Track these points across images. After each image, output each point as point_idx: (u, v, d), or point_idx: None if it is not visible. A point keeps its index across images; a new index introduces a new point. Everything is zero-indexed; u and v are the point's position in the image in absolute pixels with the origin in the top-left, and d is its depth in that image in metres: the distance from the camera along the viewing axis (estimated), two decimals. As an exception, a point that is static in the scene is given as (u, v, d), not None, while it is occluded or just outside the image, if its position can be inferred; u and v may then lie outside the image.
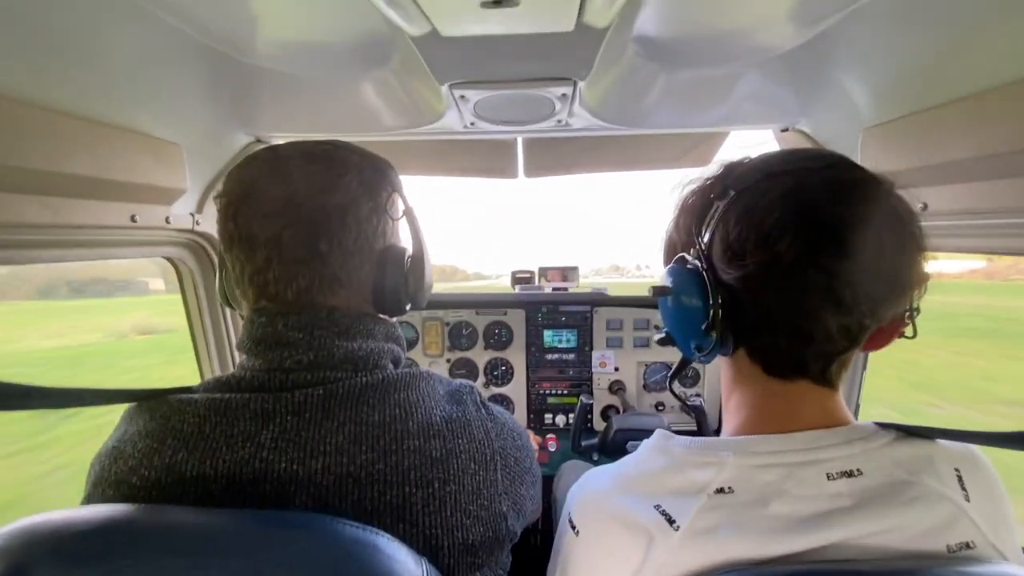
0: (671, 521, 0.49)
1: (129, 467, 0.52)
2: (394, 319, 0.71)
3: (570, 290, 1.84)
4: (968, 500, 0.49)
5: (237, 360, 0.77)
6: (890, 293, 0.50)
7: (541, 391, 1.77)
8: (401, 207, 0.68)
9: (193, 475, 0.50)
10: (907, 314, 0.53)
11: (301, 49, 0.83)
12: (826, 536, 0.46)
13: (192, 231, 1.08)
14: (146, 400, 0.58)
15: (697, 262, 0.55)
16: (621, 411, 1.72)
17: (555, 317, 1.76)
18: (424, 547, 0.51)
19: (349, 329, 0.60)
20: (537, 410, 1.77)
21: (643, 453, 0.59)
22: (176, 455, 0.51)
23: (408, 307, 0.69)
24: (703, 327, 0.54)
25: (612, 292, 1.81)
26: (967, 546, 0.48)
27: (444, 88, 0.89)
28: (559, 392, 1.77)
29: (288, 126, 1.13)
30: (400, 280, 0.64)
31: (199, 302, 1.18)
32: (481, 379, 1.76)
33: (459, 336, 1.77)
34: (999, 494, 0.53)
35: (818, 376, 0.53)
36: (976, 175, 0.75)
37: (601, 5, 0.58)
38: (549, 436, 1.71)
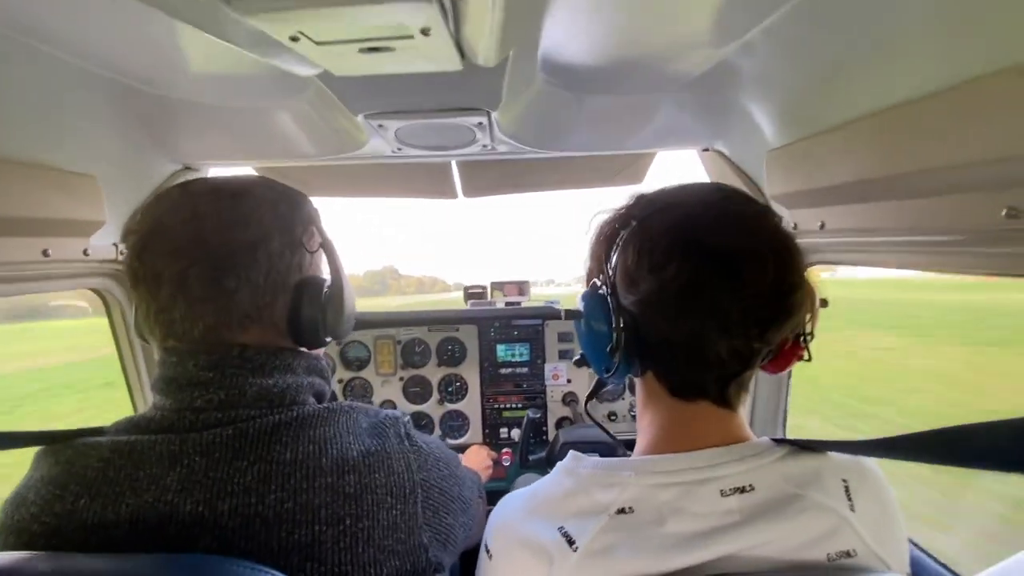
0: (571, 542, 0.51)
1: (31, 514, 0.51)
2: (318, 351, 0.70)
3: (523, 304, 1.86)
4: (853, 510, 0.52)
5: None
6: (776, 318, 0.52)
7: (496, 406, 1.78)
8: (318, 239, 0.68)
9: (95, 522, 0.50)
10: (801, 338, 0.56)
11: (216, 81, 0.83)
12: (715, 550, 0.48)
13: (116, 261, 1.06)
14: (53, 443, 0.56)
15: (604, 288, 0.58)
16: (573, 422, 1.74)
17: (508, 331, 1.78)
18: None
19: (264, 365, 0.60)
20: (492, 425, 1.78)
21: (554, 476, 0.61)
22: (78, 502, 0.51)
23: (328, 340, 0.68)
24: (608, 349, 0.56)
25: (567, 304, 1.83)
26: (847, 554, 0.50)
27: (360, 118, 0.90)
28: (513, 406, 1.78)
29: (215, 153, 1.13)
30: (316, 312, 0.64)
31: (128, 333, 1.16)
32: (435, 396, 1.76)
33: (412, 354, 1.77)
34: (886, 502, 0.55)
35: (717, 397, 0.56)
36: (861, 197, 0.79)
37: (481, 47, 0.60)
38: (504, 451, 1.72)
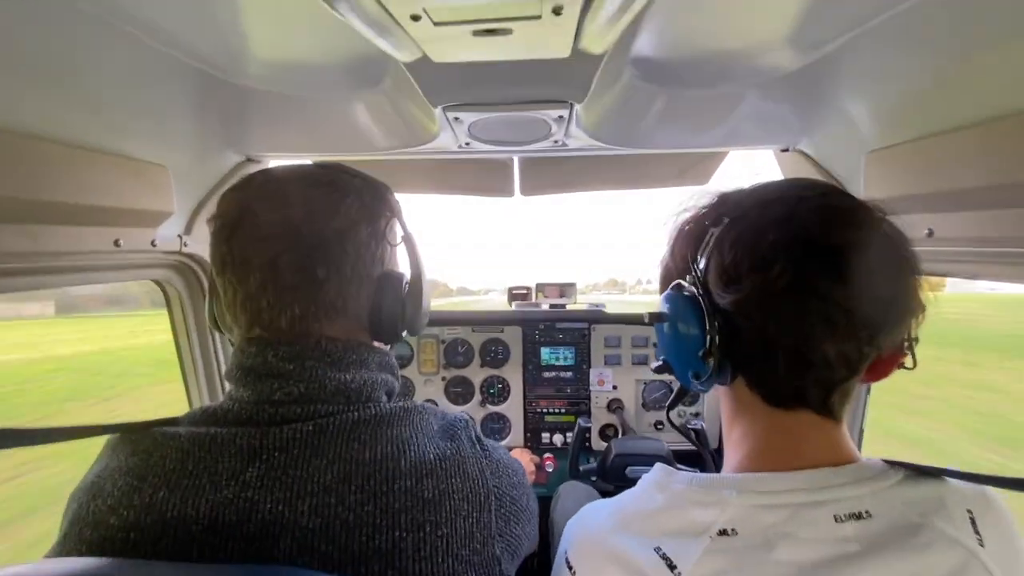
0: (672, 566, 0.47)
1: (108, 506, 0.49)
2: (389, 347, 0.69)
3: (567, 307, 1.82)
4: (982, 545, 0.47)
5: (226, 388, 0.75)
6: (888, 319, 0.49)
7: (538, 410, 1.74)
8: (400, 233, 0.67)
9: (174, 515, 0.48)
10: (906, 343, 0.52)
11: (291, 70, 0.81)
12: None
13: (180, 252, 1.06)
14: (129, 432, 0.55)
15: (693, 288, 0.55)
16: (620, 430, 1.69)
17: (552, 334, 1.74)
18: None
19: (342, 359, 0.58)
20: (534, 429, 1.74)
21: (642, 489, 0.57)
22: (157, 494, 0.49)
23: (404, 333, 0.67)
24: (700, 354, 0.53)
25: (611, 308, 1.79)
26: None
27: (437, 110, 0.87)
28: (556, 411, 1.74)
29: (280, 146, 1.11)
30: (397, 307, 0.63)
31: (187, 326, 1.15)
32: (477, 397, 1.73)
33: (455, 354, 1.74)
34: (1015, 538, 0.50)
35: (819, 406, 0.51)
36: (981, 204, 0.73)
37: (597, 32, 0.56)
38: (546, 456, 1.68)
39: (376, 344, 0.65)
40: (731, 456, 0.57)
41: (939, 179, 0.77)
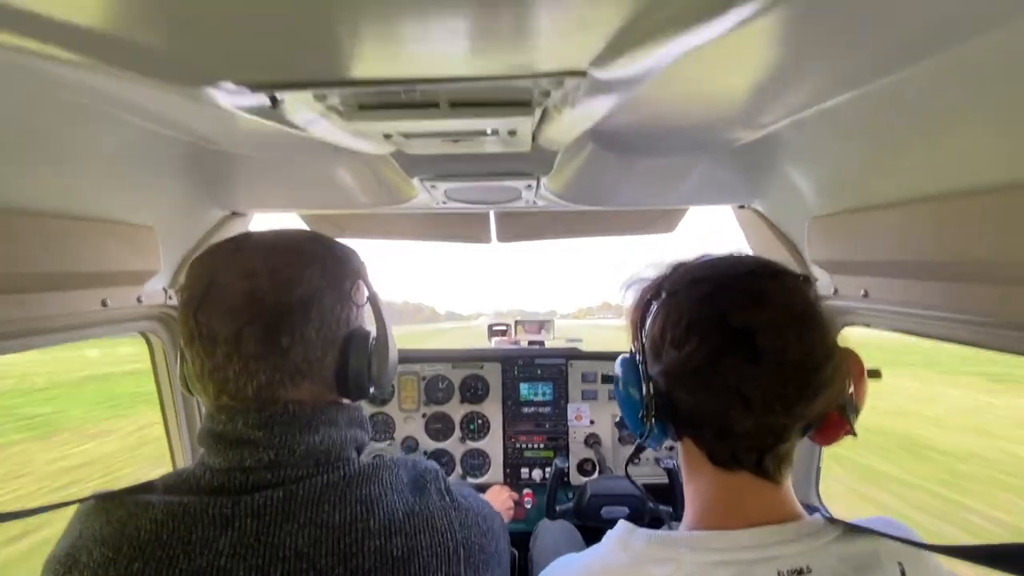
0: None
1: None
2: (357, 402, 0.71)
3: (546, 343, 1.87)
4: None
5: None
6: (802, 394, 0.52)
7: (517, 445, 1.77)
8: (365, 293, 0.69)
9: None
10: (845, 414, 0.56)
11: (275, 139, 0.86)
12: None
13: (165, 305, 1.09)
14: (104, 500, 0.57)
15: (638, 355, 0.60)
16: (596, 464, 1.73)
17: (531, 370, 1.78)
18: None
19: (311, 421, 0.60)
20: (513, 464, 1.77)
21: (607, 546, 0.60)
22: (132, 565, 0.50)
23: (371, 390, 0.69)
24: (639, 416, 0.57)
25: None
26: None
27: (415, 179, 0.93)
28: (535, 446, 1.77)
29: (263, 201, 1.15)
30: (363, 365, 0.65)
31: (170, 377, 1.17)
32: (457, 433, 1.76)
33: (435, 390, 1.77)
34: None
35: (755, 469, 0.55)
36: (907, 273, 0.80)
37: (553, 137, 0.62)
38: (526, 492, 1.71)
39: (345, 401, 0.67)
40: (688, 511, 0.62)
41: (872, 249, 0.85)
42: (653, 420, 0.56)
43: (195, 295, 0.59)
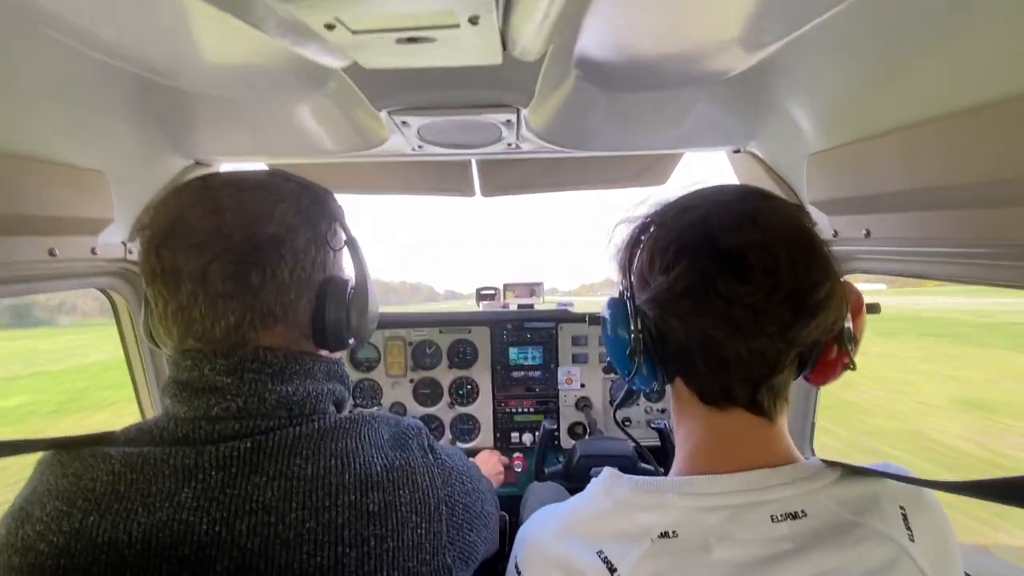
0: (612, 569, 0.48)
1: (37, 532, 0.48)
2: (337, 355, 0.68)
3: (536, 307, 1.82)
4: (912, 540, 0.49)
5: None
6: (797, 316, 0.49)
7: (507, 410, 1.75)
8: (343, 237, 0.65)
9: (105, 540, 0.47)
10: (843, 344, 0.53)
11: (232, 74, 0.79)
12: None
13: (125, 260, 1.02)
14: (60, 449, 0.53)
15: (625, 292, 0.57)
16: (587, 428, 1.71)
17: (520, 334, 1.74)
18: None
19: (284, 370, 0.57)
20: (504, 429, 1.75)
21: (590, 493, 0.58)
22: (87, 519, 0.47)
23: (351, 341, 0.66)
24: (627, 353, 0.54)
25: (581, 308, 1.81)
26: None
27: (383, 114, 0.86)
28: (525, 410, 1.75)
29: (228, 149, 1.08)
30: (341, 313, 0.62)
31: (136, 335, 1.12)
32: (446, 399, 1.73)
33: (422, 355, 1.73)
34: (946, 532, 0.52)
35: (749, 404, 0.53)
36: (912, 205, 0.75)
37: (524, 39, 0.56)
38: (516, 456, 1.69)
39: (323, 353, 0.64)
40: (678, 456, 0.59)
41: (874, 182, 0.79)
42: (642, 357, 0.53)
43: (158, 231, 0.55)
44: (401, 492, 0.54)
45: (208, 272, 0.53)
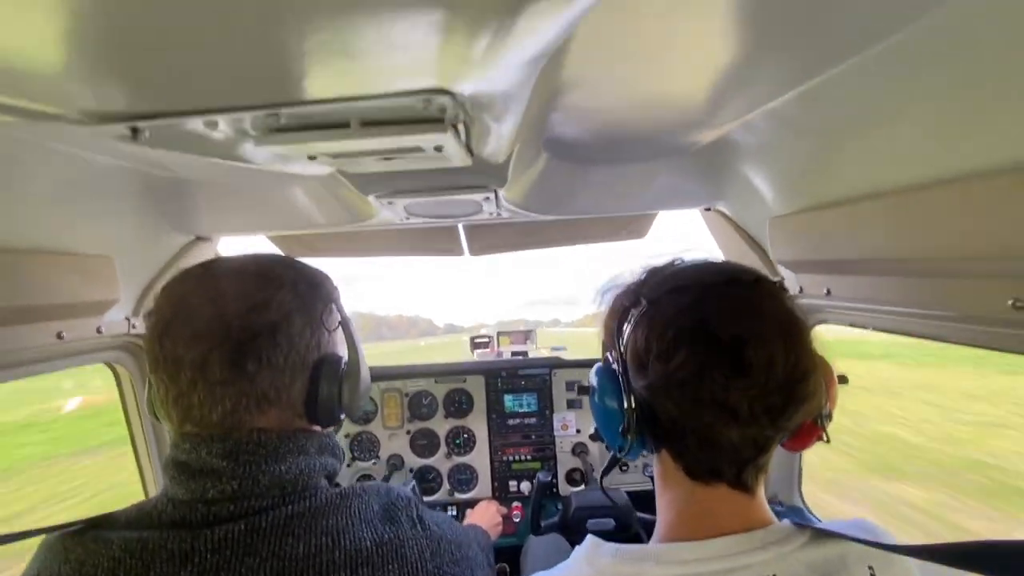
0: None
1: None
2: (329, 428, 0.69)
3: (529, 353, 1.86)
4: None
5: None
6: (787, 406, 0.51)
7: (504, 458, 1.75)
8: (337, 318, 0.67)
9: None
10: (818, 421, 0.55)
11: (224, 165, 0.86)
12: None
13: (128, 334, 1.07)
14: (63, 531, 0.56)
15: (616, 366, 0.58)
16: (584, 474, 1.71)
17: (515, 381, 1.76)
18: None
19: (278, 449, 0.59)
20: (501, 478, 1.75)
21: (573, 562, 0.59)
22: None
23: (342, 416, 0.67)
24: (619, 430, 0.55)
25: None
26: None
27: (371, 198, 0.92)
28: (523, 458, 1.75)
29: (227, 225, 1.15)
30: (334, 390, 0.63)
31: (139, 407, 1.16)
32: (443, 449, 1.74)
33: (419, 406, 1.75)
34: None
35: (734, 481, 0.54)
36: (863, 271, 0.80)
37: (490, 151, 0.62)
38: (515, 505, 1.68)
39: (315, 428, 0.66)
40: (659, 524, 0.61)
41: (828, 247, 0.84)
42: (634, 435, 0.55)
43: (161, 320, 0.58)
44: (390, 567, 0.55)
45: (208, 361, 0.56)
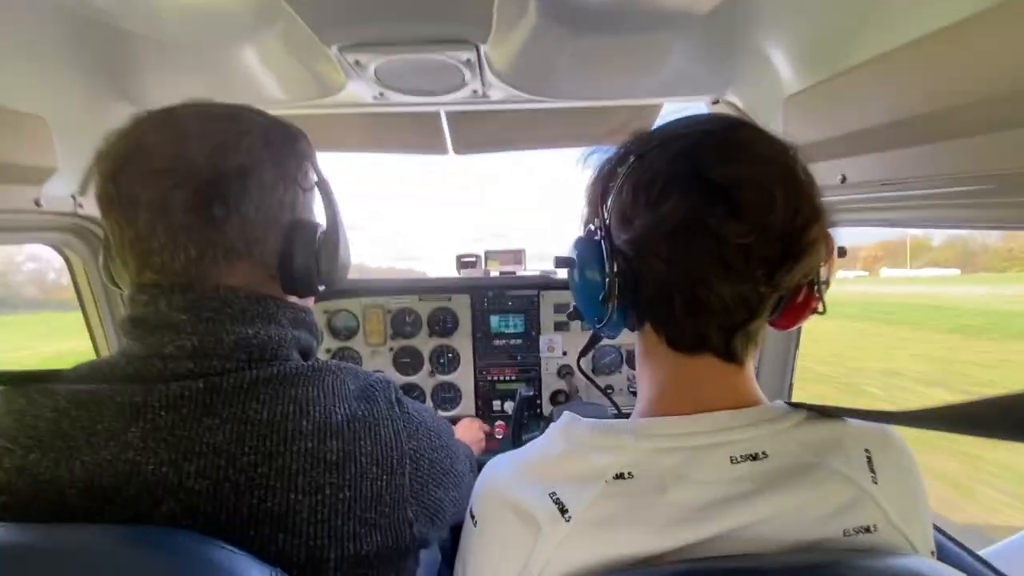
0: (563, 511, 0.46)
1: None
2: (306, 302, 0.65)
3: (518, 274, 1.79)
4: (876, 482, 0.47)
5: None
6: (785, 258, 0.46)
7: (489, 378, 1.73)
8: (313, 178, 0.62)
9: (47, 478, 0.45)
10: (815, 287, 0.51)
11: (176, 13, 0.76)
12: (723, 524, 0.43)
13: (75, 214, 0.99)
14: (6, 385, 0.52)
15: (599, 232, 0.53)
16: (569, 396, 1.69)
17: (501, 302, 1.71)
18: (306, 559, 0.47)
19: (246, 311, 0.54)
20: (485, 397, 1.73)
21: (547, 436, 0.56)
22: (28, 456, 0.46)
23: (321, 288, 0.63)
24: (600, 298, 0.51)
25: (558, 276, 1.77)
26: (867, 530, 0.46)
27: (334, 51, 0.81)
28: (507, 378, 1.73)
29: (179, 98, 1.03)
30: (311, 257, 0.59)
31: (93, 291, 1.09)
32: (426, 367, 1.71)
33: (402, 323, 1.70)
34: (911, 476, 0.51)
35: (722, 350, 0.50)
36: (889, 143, 0.72)
37: None
38: (498, 424, 1.68)
39: (291, 299, 0.61)
40: (639, 399, 0.57)
41: (850, 119, 0.76)
42: (615, 303, 0.50)
43: (115, 157, 0.52)
44: (362, 443, 0.52)
45: (168, 200, 0.50)
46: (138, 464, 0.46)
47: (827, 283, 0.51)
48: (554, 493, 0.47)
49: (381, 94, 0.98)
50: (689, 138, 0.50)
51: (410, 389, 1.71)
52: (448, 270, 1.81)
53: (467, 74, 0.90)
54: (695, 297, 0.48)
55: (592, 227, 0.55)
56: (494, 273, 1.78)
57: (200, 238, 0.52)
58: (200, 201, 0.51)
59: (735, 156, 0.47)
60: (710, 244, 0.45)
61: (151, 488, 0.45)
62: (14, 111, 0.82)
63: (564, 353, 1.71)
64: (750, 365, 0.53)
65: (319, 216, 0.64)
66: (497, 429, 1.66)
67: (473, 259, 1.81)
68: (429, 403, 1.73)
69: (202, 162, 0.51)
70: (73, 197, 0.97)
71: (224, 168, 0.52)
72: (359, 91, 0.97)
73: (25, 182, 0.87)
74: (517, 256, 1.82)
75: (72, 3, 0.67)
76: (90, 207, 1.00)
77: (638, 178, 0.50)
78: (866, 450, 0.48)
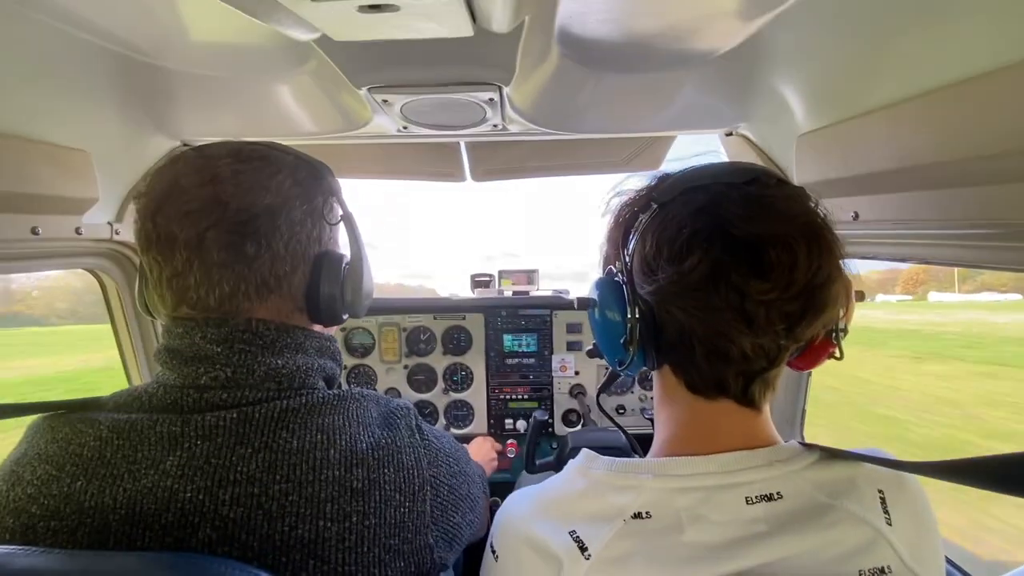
0: (583, 548, 0.47)
1: (28, 495, 0.49)
2: (330, 331, 0.68)
3: (531, 294, 1.81)
4: (890, 524, 0.48)
5: None
6: (805, 313, 0.48)
7: (501, 396, 1.75)
8: (339, 212, 0.65)
9: (91, 505, 0.48)
10: (833, 335, 0.52)
11: (213, 52, 0.79)
12: (739, 563, 0.44)
13: (112, 240, 1.03)
14: (50, 412, 0.55)
15: (620, 276, 0.55)
16: (581, 416, 1.70)
17: (515, 321, 1.73)
18: None
19: (275, 343, 0.57)
20: (497, 415, 1.75)
21: (566, 474, 0.57)
22: (74, 483, 0.49)
23: (345, 316, 0.66)
24: (622, 341, 0.52)
25: (575, 295, 1.79)
26: (881, 571, 0.46)
27: (364, 92, 0.85)
28: (519, 397, 1.75)
29: (213, 130, 1.08)
30: (336, 287, 0.62)
31: (125, 316, 1.13)
32: (440, 385, 1.73)
33: (417, 341, 1.73)
34: (925, 517, 0.51)
35: (740, 396, 0.51)
36: (899, 186, 0.73)
37: (497, 10, 0.54)
38: (509, 442, 1.69)
39: (316, 328, 0.64)
40: (656, 440, 0.58)
41: (862, 161, 0.77)
42: (636, 346, 0.51)
43: (153, 197, 0.55)
44: (386, 471, 0.54)
45: (204, 240, 0.54)
46: (176, 492, 0.48)
47: (845, 330, 0.52)
48: (574, 531, 0.48)
49: (405, 127, 1.01)
50: (710, 190, 0.51)
51: (424, 406, 1.73)
52: (459, 287, 1.83)
53: (488, 111, 0.93)
54: (716, 347, 0.49)
55: (614, 269, 0.57)
56: (507, 292, 1.81)
57: (233, 275, 0.55)
58: (233, 240, 0.54)
59: (758, 213, 0.48)
60: (733, 299, 0.46)
61: (188, 515, 0.47)
62: (61, 146, 0.86)
63: (576, 372, 1.72)
64: (767, 409, 0.54)
65: (343, 247, 0.67)
66: (509, 447, 1.67)
67: (487, 279, 1.83)
68: (442, 421, 1.74)
69: (234, 204, 0.54)
70: (110, 224, 1.02)
71: (256, 208, 0.55)
72: (384, 124, 1.01)
73: (68, 212, 0.91)
74: (531, 276, 1.84)
75: (116, 44, 0.71)
76: (125, 233, 1.04)
77: (661, 230, 0.51)
78: (880, 491, 0.49)
